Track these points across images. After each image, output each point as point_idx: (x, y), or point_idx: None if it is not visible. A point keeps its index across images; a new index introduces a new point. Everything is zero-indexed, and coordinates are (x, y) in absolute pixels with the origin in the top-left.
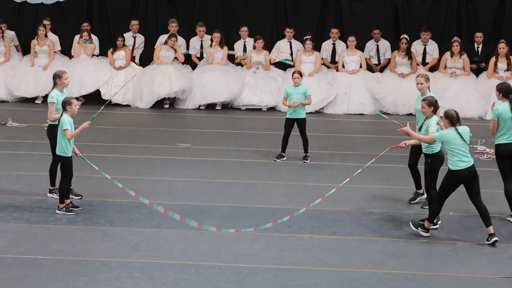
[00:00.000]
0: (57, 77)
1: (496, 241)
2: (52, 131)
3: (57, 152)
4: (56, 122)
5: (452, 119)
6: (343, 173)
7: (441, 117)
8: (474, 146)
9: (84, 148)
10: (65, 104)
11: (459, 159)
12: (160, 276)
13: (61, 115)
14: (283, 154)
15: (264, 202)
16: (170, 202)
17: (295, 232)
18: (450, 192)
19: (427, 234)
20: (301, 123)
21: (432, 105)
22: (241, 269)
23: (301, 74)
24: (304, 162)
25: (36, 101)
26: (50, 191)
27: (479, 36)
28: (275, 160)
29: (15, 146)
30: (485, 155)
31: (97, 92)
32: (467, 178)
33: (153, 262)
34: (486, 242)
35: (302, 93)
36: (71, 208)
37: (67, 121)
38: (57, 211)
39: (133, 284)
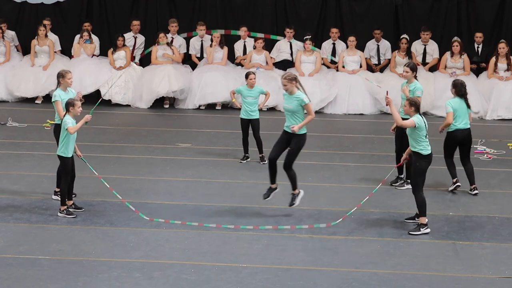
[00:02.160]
0: (60, 76)
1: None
2: (58, 130)
3: (58, 152)
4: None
5: (418, 106)
6: (343, 173)
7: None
8: (474, 146)
9: (84, 148)
10: (68, 105)
11: (427, 143)
12: (160, 276)
13: (63, 116)
14: (247, 155)
15: (264, 202)
16: (170, 202)
17: (295, 232)
18: (424, 177)
19: (428, 230)
20: (255, 123)
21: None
22: (241, 269)
23: (255, 75)
24: (263, 163)
25: (36, 101)
26: (55, 193)
27: (479, 36)
28: (240, 162)
29: (15, 146)
30: (485, 155)
31: (97, 92)
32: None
33: (153, 262)
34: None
35: (256, 95)
36: (71, 210)
37: (69, 121)
38: (58, 214)
39: (133, 284)
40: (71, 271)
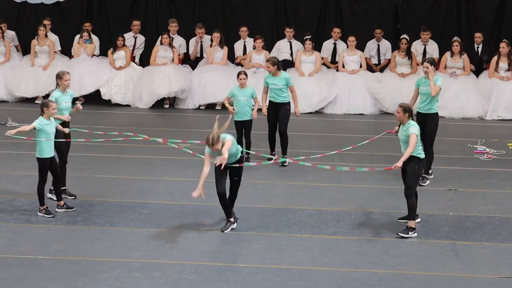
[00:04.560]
0: (58, 78)
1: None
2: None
3: (36, 154)
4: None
5: (411, 112)
6: (343, 173)
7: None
8: (474, 146)
9: (84, 148)
10: (42, 106)
11: (422, 148)
12: (160, 276)
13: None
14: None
15: (264, 202)
16: (170, 202)
17: (295, 232)
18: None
19: (416, 234)
20: (248, 125)
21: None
22: (241, 269)
23: (246, 75)
24: (246, 162)
25: (36, 101)
26: (50, 191)
27: (478, 36)
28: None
29: (15, 146)
30: (485, 155)
31: (97, 92)
32: None
33: (153, 262)
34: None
35: (248, 95)
36: (50, 210)
37: (37, 121)
38: (38, 213)
39: (133, 284)
40: (71, 271)
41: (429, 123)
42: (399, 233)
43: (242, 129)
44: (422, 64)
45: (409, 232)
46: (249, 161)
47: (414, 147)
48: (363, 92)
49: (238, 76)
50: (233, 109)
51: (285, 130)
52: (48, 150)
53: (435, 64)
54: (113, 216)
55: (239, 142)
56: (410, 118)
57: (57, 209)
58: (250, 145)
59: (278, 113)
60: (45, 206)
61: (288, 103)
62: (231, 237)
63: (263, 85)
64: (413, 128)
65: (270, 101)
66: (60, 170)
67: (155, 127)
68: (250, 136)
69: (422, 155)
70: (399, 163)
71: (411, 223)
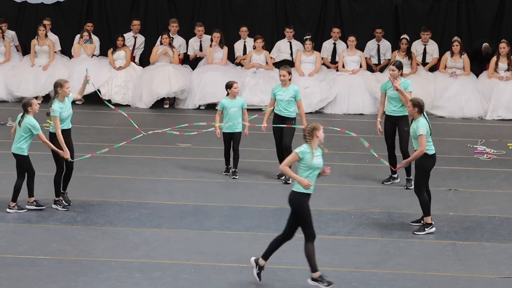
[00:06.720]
0: (58, 86)
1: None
2: (53, 140)
3: (14, 150)
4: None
5: (422, 107)
6: (343, 173)
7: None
8: (474, 146)
9: (84, 148)
10: (26, 105)
11: (431, 143)
12: (160, 276)
13: (22, 116)
14: (229, 166)
15: (264, 202)
16: (170, 202)
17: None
18: (428, 177)
19: (433, 229)
20: (237, 137)
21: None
22: (241, 269)
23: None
24: (234, 178)
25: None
26: (55, 202)
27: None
28: (225, 174)
29: None
30: (485, 155)
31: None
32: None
33: (153, 262)
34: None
35: (239, 106)
36: (21, 206)
37: (36, 125)
38: (8, 210)
39: (133, 284)
40: (71, 271)
41: (401, 125)
42: (415, 232)
43: (230, 142)
44: (422, 64)
45: (426, 229)
46: (236, 175)
47: (424, 149)
48: (363, 92)
49: (232, 86)
50: (218, 133)
51: (289, 145)
52: (27, 148)
53: (402, 67)
54: (113, 216)
55: (226, 154)
56: (421, 114)
57: (27, 206)
58: (238, 158)
59: (283, 127)
60: (34, 199)
61: (294, 119)
62: (231, 237)
63: (270, 98)
64: (422, 128)
65: (275, 114)
66: (59, 177)
67: (155, 127)
68: (239, 149)
69: (430, 151)
70: (404, 163)
71: (427, 219)
